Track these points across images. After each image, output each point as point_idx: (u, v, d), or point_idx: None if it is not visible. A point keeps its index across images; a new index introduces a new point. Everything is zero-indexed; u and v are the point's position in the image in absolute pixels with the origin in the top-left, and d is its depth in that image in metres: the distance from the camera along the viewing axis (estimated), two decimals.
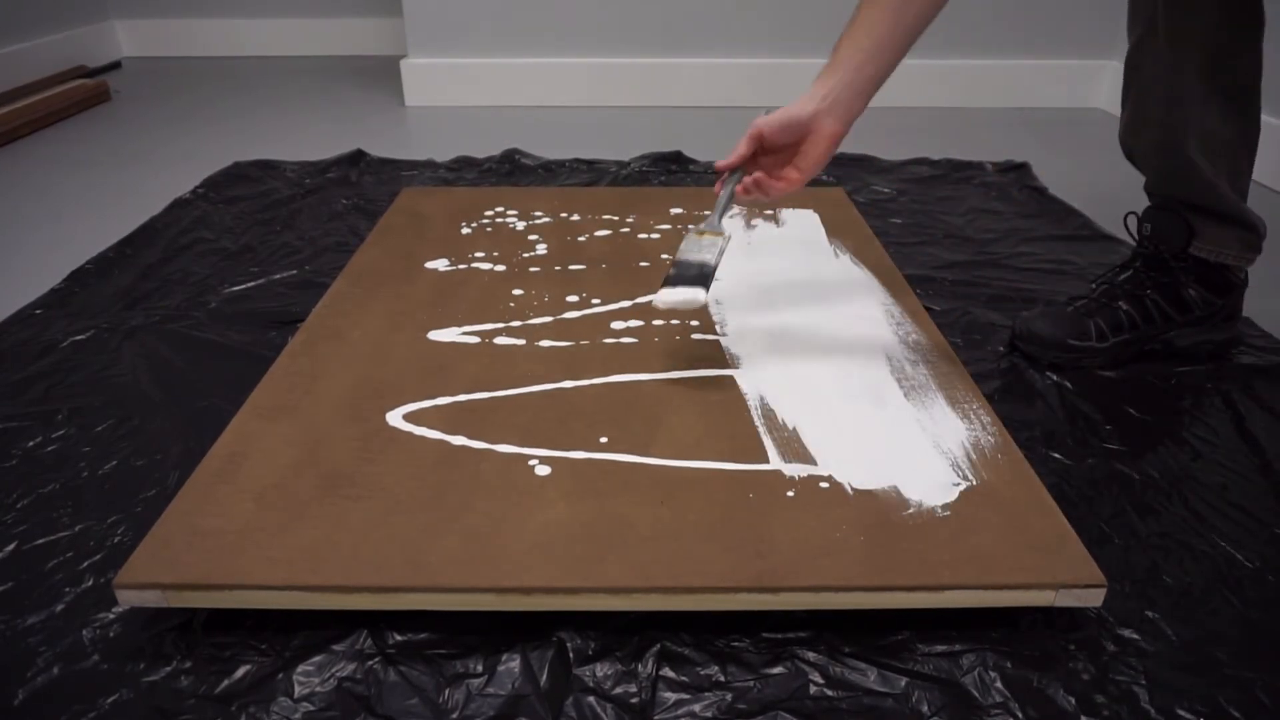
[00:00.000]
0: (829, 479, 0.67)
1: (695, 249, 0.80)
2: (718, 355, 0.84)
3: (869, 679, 0.56)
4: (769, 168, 0.79)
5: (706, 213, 1.22)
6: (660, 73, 1.97)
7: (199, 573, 0.57)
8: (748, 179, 0.79)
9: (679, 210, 1.21)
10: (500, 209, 1.21)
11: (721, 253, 0.80)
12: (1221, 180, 0.87)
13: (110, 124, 1.83)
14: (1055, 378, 0.88)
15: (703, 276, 0.77)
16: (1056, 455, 0.77)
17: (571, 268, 1.03)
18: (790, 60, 1.95)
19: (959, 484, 0.66)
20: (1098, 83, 1.96)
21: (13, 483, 0.73)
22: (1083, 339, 0.89)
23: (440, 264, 1.04)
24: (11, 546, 0.66)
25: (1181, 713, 0.54)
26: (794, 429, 0.73)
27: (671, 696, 0.55)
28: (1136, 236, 0.93)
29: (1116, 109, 0.94)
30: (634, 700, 0.54)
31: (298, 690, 0.55)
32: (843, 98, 0.73)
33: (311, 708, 0.54)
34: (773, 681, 0.56)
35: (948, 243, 1.21)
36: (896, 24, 0.72)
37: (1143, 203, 0.96)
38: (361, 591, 0.57)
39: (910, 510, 0.63)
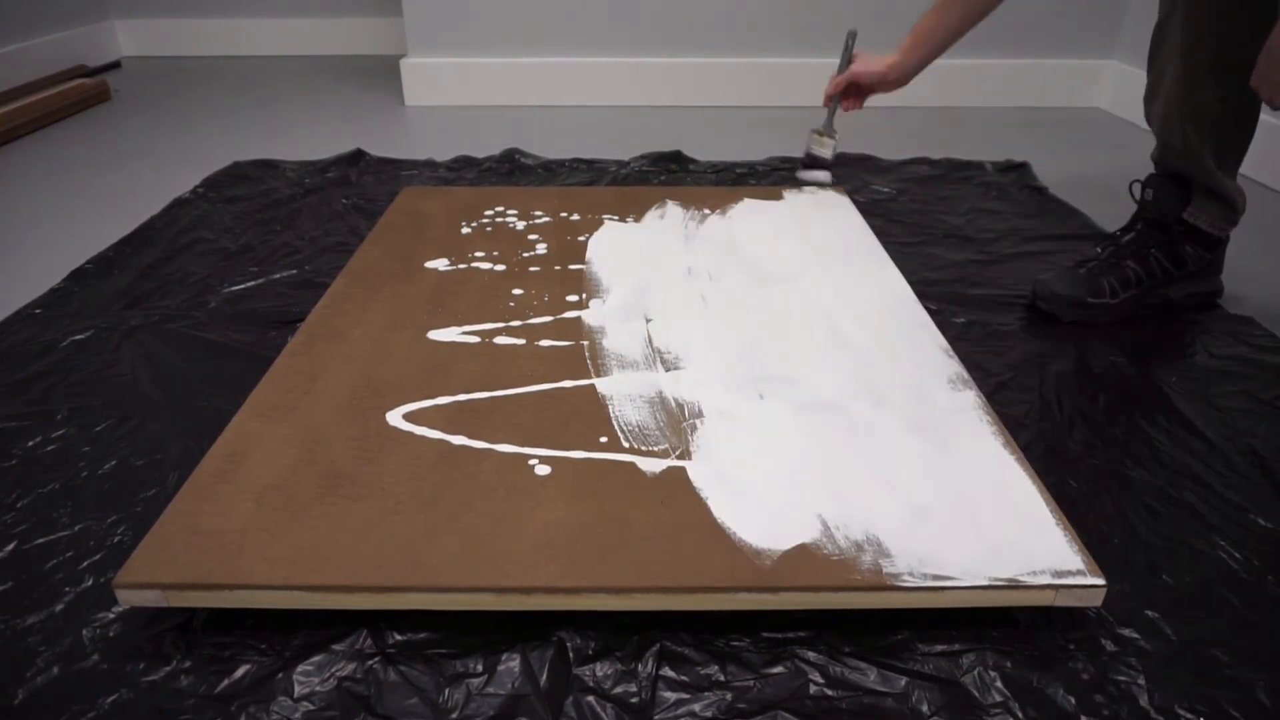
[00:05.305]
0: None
1: (819, 145, 1.34)
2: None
3: (869, 679, 0.56)
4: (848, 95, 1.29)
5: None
6: (660, 73, 1.97)
7: (199, 573, 0.57)
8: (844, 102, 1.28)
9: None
10: (500, 209, 1.21)
11: (835, 148, 1.34)
12: (1208, 156, 0.97)
13: (110, 124, 1.83)
14: (1055, 377, 0.88)
15: (828, 164, 1.34)
16: (1056, 455, 0.77)
17: (571, 268, 1.03)
18: (790, 60, 1.95)
19: (959, 483, 0.66)
20: (1098, 83, 1.96)
21: (13, 483, 0.73)
22: (1098, 296, 0.98)
23: (440, 264, 1.04)
24: (11, 546, 0.66)
25: (1181, 713, 0.54)
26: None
27: (671, 696, 0.55)
28: (1139, 200, 1.02)
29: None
30: (634, 700, 0.54)
31: (298, 690, 0.55)
32: (907, 71, 1.19)
33: (311, 707, 0.54)
34: (773, 681, 0.56)
35: (948, 243, 1.21)
36: (941, 24, 1.13)
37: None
38: (361, 591, 0.57)
39: (910, 510, 0.63)
